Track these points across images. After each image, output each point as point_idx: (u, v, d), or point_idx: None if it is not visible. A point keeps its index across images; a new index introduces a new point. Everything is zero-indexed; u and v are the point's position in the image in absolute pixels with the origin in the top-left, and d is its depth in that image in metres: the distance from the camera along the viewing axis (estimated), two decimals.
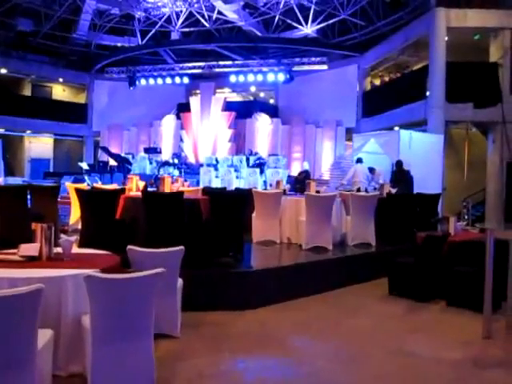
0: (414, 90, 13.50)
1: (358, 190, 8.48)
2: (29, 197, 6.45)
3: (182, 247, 3.77)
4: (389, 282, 5.84)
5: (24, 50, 20.13)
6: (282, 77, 18.09)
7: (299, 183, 11.50)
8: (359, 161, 10.73)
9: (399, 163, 10.34)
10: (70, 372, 3.14)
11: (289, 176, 15.85)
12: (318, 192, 7.24)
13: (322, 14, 17.51)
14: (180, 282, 4.03)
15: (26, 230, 4.28)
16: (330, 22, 17.80)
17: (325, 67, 18.06)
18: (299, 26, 18.25)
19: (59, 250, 3.50)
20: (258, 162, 15.87)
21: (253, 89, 20.88)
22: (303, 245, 6.76)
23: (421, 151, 11.40)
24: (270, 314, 4.91)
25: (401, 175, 10.12)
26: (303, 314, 5.05)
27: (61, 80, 22.18)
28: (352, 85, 17.65)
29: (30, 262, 3.32)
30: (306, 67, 18.39)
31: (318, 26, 18.04)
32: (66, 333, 3.09)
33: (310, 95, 18.42)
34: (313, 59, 18.20)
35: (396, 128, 13.22)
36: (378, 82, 18.00)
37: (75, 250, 3.72)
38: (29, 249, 3.40)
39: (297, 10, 17.57)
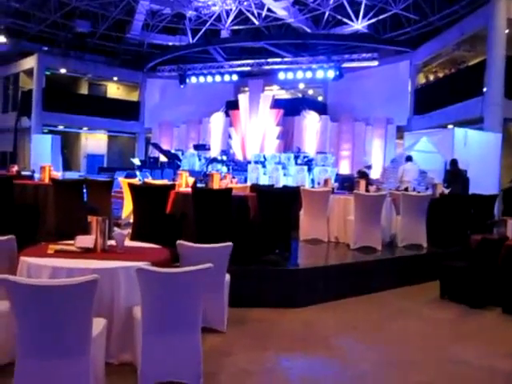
0: (470, 86, 12.94)
1: (406, 189, 8.25)
2: (84, 191, 6.73)
3: (230, 243, 3.80)
4: (440, 285, 5.64)
5: (82, 51, 21.00)
6: (331, 73, 17.87)
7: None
8: (409, 159, 10.41)
9: (454, 162, 9.93)
10: (122, 360, 3.24)
11: (337, 174, 15.65)
12: (367, 191, 7.11)
13: (373, 8, 17.11)
14: (227, 277, 4.08)
15: (82, 222, 4.47)
16: (382, 16, 17.36)
17: (375, 63, 17.67)
18: (349, 22, 17.93)
19: (113, 242, 3.62)
20: (305, 160, 15.78)
21: (301, 86, 20.76)
22: (351, 244, 6.65)
23: (476, 150, 10.92)
24: (315, 314, 4.87)
25: (455, 175, 9.72)
26: (349, 314, 4.97)
27: (115, 79, 22.98)
28: (404, 81, 17.16)
29: (86, 253, 3.44)
30: (355, 64, 18.07)
31: (369, 22, 17.65)
32: (118, 322, 3.19)
33: (360, 92, 18.07)
34: (363, 55, 17.86)
35: (450, 126, 12.73)
36: (431, 78, 17.41)
37: (127, 242, 3.84)
38: (85, 240, 3.53)
39: (347, 6, 17.26)
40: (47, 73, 20.78)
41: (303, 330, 4.38)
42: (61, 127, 21.39)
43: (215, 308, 3.93)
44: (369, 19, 17.55)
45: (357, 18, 17.65)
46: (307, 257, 6.42)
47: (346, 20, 17.99)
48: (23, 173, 12.40)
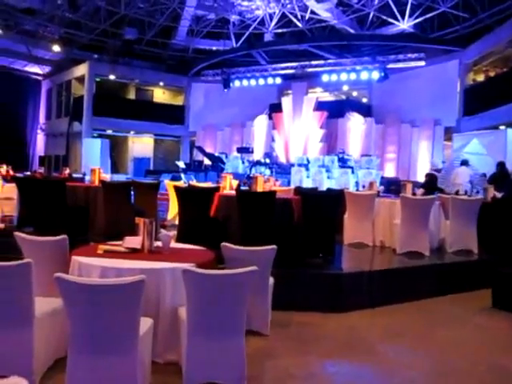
0: None
1: (457, 192, 7.96)
2: (132, 193, 6.92)
3: (274, 246, 3.80)
4: (492, 293, 5.39)
5: (129, 57, 21.67)
6: (376, 75, 17.56)
7: (428, 186, 9.22)
8: (464, 163, 10.02)
9: (501, 165, 9.49)
10: (167, 360, 3.29)
11: (382, 177, 15.34)
12: (414, 194, 6.91)
13: (419, 7, 16.67)
14: (271, 280, 4.07)
15: (129, 223, 4.59)
16: (429, 15, 16.89)
17: (422, 63, 17.21)
18: (395, 22, 17.56)
19: (159, 243, 3.69)
20: (347, 163, 15.57)
21: (345, 88, 20.51)
22: (397, 249, 6.48)
23: None
24: (360, 319, 4.78)
25: (502, 178, 9.29)
26: (395, 321, 4.84)
27: (161, 83, 23.56)
28: (452, 81, 16.59)
29: (133, 253, 3.53)
30: (401, 64, 17.67)
31: (416, 21, 17.21)
32: (163, 323, 3.24)
33: (406, 93, 17.64)
34: (409, 56, 17.43)
35: (502, 127, 12.18)
36: (481, 77, 16.75)
37: (173, 244, 3.90)
38: (132, 241, 3.63)
39: (392, 5, 16.90)
40: (97, 79, 21.59)
41: (348, 335, 4.30)
42: (109, 131, 22.15)
43: (259, 311, 3.93)
44: (415, 18, 17.11)
45: (403, 18, 17.25)
46: (351, 261, 6.31)
47: (391, 20, 17.63)
48: (74, 175, 12.93)
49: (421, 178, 15.63)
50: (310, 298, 4.89)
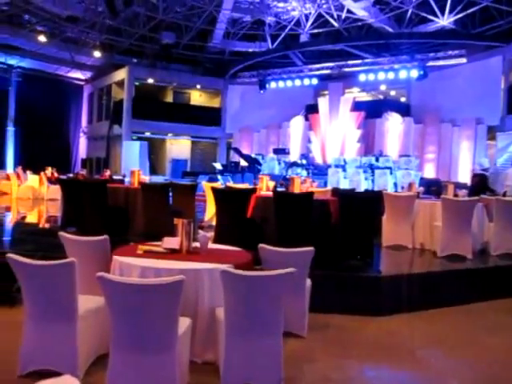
0: None
1: (504, 194, 7.66)
2: (170, 194, 7.03)
3: (312, 248, 3.77)
4: None
5: (167, 61, 22.09)
6: (415, 73, 17.18)
7: (476, 189, 8.85)
8: None
9: None
10: (205, 359, 3.31)
11: (421, 178, 14.97)
12: (456, 196, 6.71)
13: (460, 2, 16.17)
14: (308, 282, 4.04)
15: (168, 224, 4.67)
16: (470, 10, 16.36)
17: (463, 61, 16.71)
18: (435, 19, 17.12)
19: (197, 244, 3.73)
20: (386, 164, 15.28)
21: (383, 87, 20.17)
22: (438, 252, 6.30)
23: None
24: (399, 323, 4.67)
25: None
26: (436, 326, 4.70)
27: (198, 86, 23.88)
28: (495, 78, 15.98)
29: (172, 253, 3.57)
30: (441, 62, 17.22)
31: (456, 17, 16.71)
32: (201, 323, 3.27)
33: (446, 91, 17.15)
34: (449, 53, 16.97)
35: None
36: None
37: (210, 245, 3.94)
38: (171, 242, 3.68)
39: (432, 2, 16.48)
40: (136, 83, 22.12)
41: (387, 340, 4.21)
42: (148, 134, 22.64)
43: (296, 313, 3.90)
44: (456, 14, 16.62)
45: (442, 14, 16.80)
46: (390, 263, 6.19)
47: (430, 17, 17.21)
48: (115, 177, 13.28)
49: (462, 179, 15.18)
50: (347, 300, 4.82)
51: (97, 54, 20.11)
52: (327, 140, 19.59)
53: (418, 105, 18.83)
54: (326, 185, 14.41)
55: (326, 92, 20.53)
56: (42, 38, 18.12)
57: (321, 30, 20.23)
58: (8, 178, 14.90)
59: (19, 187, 14.29)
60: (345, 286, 4.89)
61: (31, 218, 10.23)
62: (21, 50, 20.23)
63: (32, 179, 14.73)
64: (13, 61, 21.29)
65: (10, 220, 9.62)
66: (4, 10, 17.59)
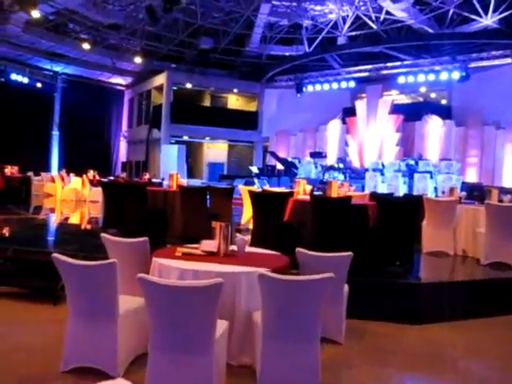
0: None
1: None
2: (207, 197, 7.11)
3: (350, 253, 3.72)
4: None
5: (205, 66, 22.39)
6: (456, 75, 16.71)
7: None
8: None
9: None
10: (241, 363, 3.32)
11: (463, 182, 14.53)
12: (500, 201, 6.46)
13: (505, 1, 15.59)
14: (346, 287, 3.99)
15: (205, 226, 4.72)
16: None
17: (508, 61, 16.09)
18: (477, 18, 16.56)
19: (234, 247, 3.75)
20: (426, 168, 14.91)
21: (423, 89, 19.70)
22: (481, 259, 6.08)
23: None
24: (440, 332, 4.53)
25: None
26: (479, 336, 4.53)
27: (235, 90, 24.07)
28: None
29: (210, 256, 3.61)
30: (484, 63, 16.65)
31: (500, 16, 16.12)
32: (238, 326, 3.28)
33: (490, 93, 16.56)
34: (493, 53, 16.39)
35: None
36: None
37: (247, 248, 3.95)
38: (209, 244, 3.71)
39: (475, 1, 15.97)
40: (174, 88, 22.52)
41: (428, 349, 4.10)
42: (186, 137, 22.99)
43: (333, 318, 3.86)
44: (500, 13, 16.04)
45: (486, 13, 16.24)
46: (431, 270, 6.03)
47: (473, 16, 16.68)
48: (153, 180, 13.55)
49: (507, 184, 14.63)
50: (386, 307, 4.73)
51: (137, 59, 20.62)
52: (365, 143, 19.32)
53: (459, 107, 18.27)
54: (363, 189, 14.20)
55: (364, 95, 20.26)
56: (85, 46, 18.74)
57: (358, 33, 19.97)
58: (53, 180, 15.48)
59: (63, 189, 14.81)
60: (383, 293, 4.80)
61: (74, 219, 10.58)
62: (66, 57, 21.01)
63: (75, 181, 15.25)
64: (58, 67, 22.14)
65: (54, 221, 9.99)
66: (51, 20, 18.30)
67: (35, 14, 13.72)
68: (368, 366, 3.65)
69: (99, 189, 10.05)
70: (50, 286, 4.59)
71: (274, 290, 2.83)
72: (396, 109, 18.80)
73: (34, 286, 4.86)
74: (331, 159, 19.40)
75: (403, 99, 21.40)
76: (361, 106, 19.67)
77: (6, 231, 7.67)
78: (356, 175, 16.68)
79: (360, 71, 19.95)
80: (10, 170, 15.20)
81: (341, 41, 20.40)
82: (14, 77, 20.23)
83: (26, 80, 20.71)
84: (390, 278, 5.01)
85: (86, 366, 3.13)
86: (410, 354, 3.97)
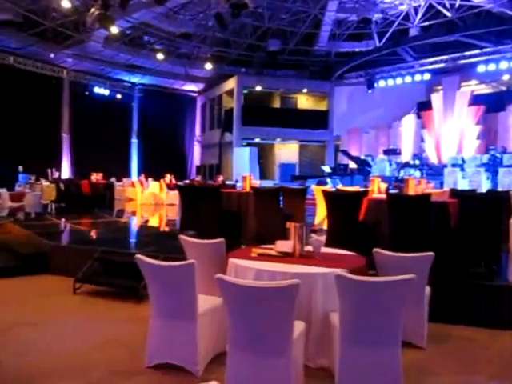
0: None
1: None
2: (280, 198, 7.13)
3: (431, 253, 3.55)
4: None
5: (273, 68, 22.53)
6: None
7: None
8: None
9: None
10: (319, 365, 3.28)
11: None
12: None
13: None
14: (428, 290, 3.81)
15: (279, 227, 4.74)
16: None
17: None
18: None
19: (309, 248, 3.73)
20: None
21: (505, 77, 18.38)
22: None
23: None
24: None
25: None
26: None
27: (304, 90, 23.97)
28: None
29: (285, 257, 3.61)
30: None
31: None
32: (315, 327, 3.24)
33: None
34: None
35: None
36: None
37: (323, 248, 3.90)
38: (284, 245, 3.72)
39: None
40: (244, 91, 22.88)
41: None
42: (257, 139, 23.26)
43: (414, 322, 3.70)
44: None
45: None
46: None
47: None
48: (227, 182, 13.86)
49: None
50: (471, 311, 4.45)
51: (208, 66, 21.19)
52: (442, 138, 18.41)
53: None
54: (442, 186, 13.52)
55: (440, 87, 19.31)
56: (159, 56, 19.58)
57: (432, 22, 19.07)
58: (133, 185, 16.35)
59: (142, 193, 15.58)
60: (468, 295, 4.52)
61: (153, 222, 11.08)
62: (142, 68, 22.14)
63: (153, 186, 16.00)
64: (135, 78, 23.37)
65: (135, 223, 10.54)
66: (127, 34, 19.36)
67: (114, 29, 14.54)
68: (453, 373, 3.45)
69: (176, 192, 10.45)
70: (134, 285, 4.84)
71: (351, 291, 2.77)
72: (476, 100, 17.74)
73: (120, 284, 5.15)
74: (406, 156, 18.70)
75: (483, 89, 20.10)
76: (437, 98, 18.78)
77: (93, 233, 8.21)
78: (433, 172, 15.94)
79: (435, 62, 19.05)
80: (96, 177, 16.29)
81: (413, 32, 19.59)
82: (96, 90, 21.68)
83: (107, 92, 22.11)
84: (475, 280, 4.71)
85: (168, 362, 3.26)
86: (500, 361, 3.70)
